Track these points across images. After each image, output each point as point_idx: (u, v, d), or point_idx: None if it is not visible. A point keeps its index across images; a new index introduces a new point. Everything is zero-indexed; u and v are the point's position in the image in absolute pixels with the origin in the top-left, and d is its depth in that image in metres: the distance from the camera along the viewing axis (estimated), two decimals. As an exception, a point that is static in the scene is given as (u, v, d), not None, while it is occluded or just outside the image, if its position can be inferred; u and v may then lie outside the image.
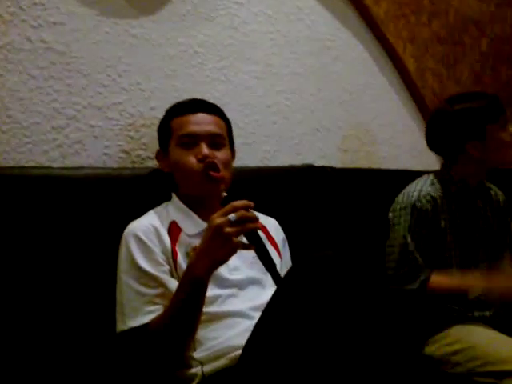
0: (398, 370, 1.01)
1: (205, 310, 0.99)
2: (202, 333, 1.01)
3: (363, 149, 1.78)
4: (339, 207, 1.54)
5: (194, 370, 1.00)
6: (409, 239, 1.32)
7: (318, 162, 1.62)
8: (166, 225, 1.10)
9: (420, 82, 1.87)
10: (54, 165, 1.23)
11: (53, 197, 1.13)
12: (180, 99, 1.24)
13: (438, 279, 1.31)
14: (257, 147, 1.55)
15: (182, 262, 1.05)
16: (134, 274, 1.03)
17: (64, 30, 1.24)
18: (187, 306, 0.96)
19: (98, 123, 1.29)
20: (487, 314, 1.35)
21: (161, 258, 1.05)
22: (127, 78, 1.33)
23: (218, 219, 0.91)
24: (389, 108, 1.84)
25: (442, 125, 1.39)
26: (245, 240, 0.95)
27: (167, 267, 1.05)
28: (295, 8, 1.63)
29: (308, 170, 1.53)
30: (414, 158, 1.88)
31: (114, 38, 1.31)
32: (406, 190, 1.40)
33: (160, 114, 1.25)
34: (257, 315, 0.95)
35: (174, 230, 1.10)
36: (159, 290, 1.02)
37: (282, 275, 0.95)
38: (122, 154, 1.32)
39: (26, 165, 1.20)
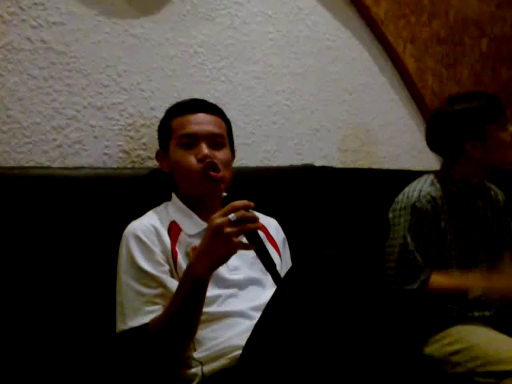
0: (398, 370, 1.00)
1: (205, 310, 0.99)
2: (202, 333, 1.01)
3: (363, 149, 1.78)
4: (339, 207, 1.54)
5: (193, 370, 1.00)
6: (409, 239, 1.32)
7: (318, 162, 1.62)
8: (166, 225, 1.10)
9: (420, 82, 1.87)
10: (54, 165, 1.23)
11: (53, 197, 1.13)
12: (180, 99, 1.23)
13: (438, 279, 1.31)
14: (257, 147, 1.55)
15: (182, 262, 1.05)
16: (134, 274, 1.03)
17: (64, 30, 1.24)
18: (187, 306, 0.95)
19: (98, 123, 1.29)
20: (487, 314, 1.35)
21: (161, 258, 1.05)
22: (127, 78, 1.33)
23: (217, 219, 0.90)
24: (389, 108, 1.84)
25: (441, 125, 1.39)
26: (245, 240, 0.95)
27: (167, 267, 1.05)
28: (295, 8, 1.63)
29: (308, 170, 1.53)
30: (414, 158, 1.88)
31: (114, 38, 1.31)
32: (405, 190, 1.40)
33: (160, 113, 1.25)
34: (257, 315, 0.95)
35: (173, 230, 1.09)
36: (159, 290, 1.02)
37: (282, 275, 0.95)
38: (121, 154, 1.32)
39: (26, 165, 1.19)
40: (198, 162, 1.09)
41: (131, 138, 1.33)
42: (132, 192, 1.21)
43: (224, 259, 0.93)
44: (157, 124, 1.24)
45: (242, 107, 1.53)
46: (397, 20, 1.80)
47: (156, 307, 1.01)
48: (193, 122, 1.12)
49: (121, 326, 1.03)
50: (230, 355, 0.98)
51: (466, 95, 1.41)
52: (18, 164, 1.19)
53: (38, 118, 1.22)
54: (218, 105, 1.21)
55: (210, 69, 1.47)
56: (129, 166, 1.32)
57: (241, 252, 0.95)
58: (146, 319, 1.00)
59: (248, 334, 0.92)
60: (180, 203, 1.15)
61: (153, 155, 1.28)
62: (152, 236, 1.06)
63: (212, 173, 1.08)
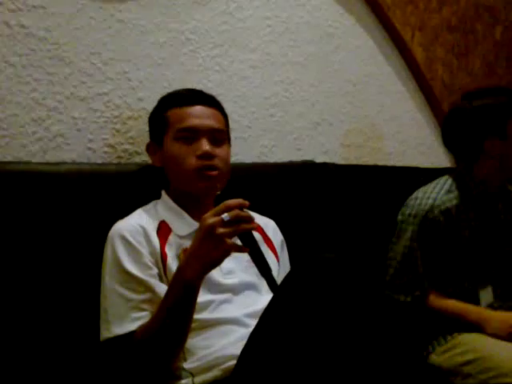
0: (402, 381, 1.01)
1: (196, 316, 0.98)
2: (193, 341, 1.00)
3: (367, 144, 1.75)
4: (342, 207, 1.52)
5: (183, 382, 0.98)
6: (413, 250, 1.33)
7: (320, 159, 1.60)
8: (155, 225, 1.08)
9: (429, 73, 1.85)
10: (34, 160, 1.21)
11: (32, 195, 1.11)
12: (170, 89, 1.22)
13: (439, 302, 1.32)
14: (253, 142, 1.53)
15: (172, 265, 1.04)
16: (120, 277, 1.01)
17: (45, 14, 1.22)
18: (177, 313, 0.94)
19: (81, 115, 1.27)
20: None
21: (149, 260, 1.03)
22: (113, 66, 1.31)
23: (210, 219, 0.89)
24: (395, 100, 1.82)
25: (459, 122, 1.38)
26: (239, 242, 0.93)
27: (155, 270, 1.03)
28: (295, -8, 1.63)
29: (308, 167, 1.51)
30: (422, 155, 1.86)
31: (99, 23, 1.29)
32: (419, 195, 1.39)
33: (148, 105, 1.23)
34: (252, 323, 0.95)
35: (163, 230, 1.08)
36: (147, 295, 1.00)
37: (280, 279, 0.93)
38: (107, 149, 1.30)
39: (3, 160, 1.17)
40: (196, 158, 1.08)
41: (117, 131, 1.31)
42: (118, 189, 1.19)
43: (216, 262, 0.91)
44: (145, 116, 1.23)
45: (238, 99, 1.50)
46: (404, 6, 1.78)
47: (143, 313, 0.99)
48: (193, 115, 1.11)
49: (105, 334, 1.01)
50: (224, 366, 0.97)
51: (485, 90, 1.40)
52: (-6, 159, 1.18)
53: (16, 110, 1.19)
54: (212, 96, 1.22)
55: (202, 57, 1.45)
56: (114, 161, 1.30)
57: (235, 254, 0.94)
58: (133, 326, 0.98)
59: (243, 342, 0.91)
60: (170, 202, 1.13)
61: (140, 150, 1.27)
62: (139, 237, 1.04)
63: (208, 171, 1.08)
